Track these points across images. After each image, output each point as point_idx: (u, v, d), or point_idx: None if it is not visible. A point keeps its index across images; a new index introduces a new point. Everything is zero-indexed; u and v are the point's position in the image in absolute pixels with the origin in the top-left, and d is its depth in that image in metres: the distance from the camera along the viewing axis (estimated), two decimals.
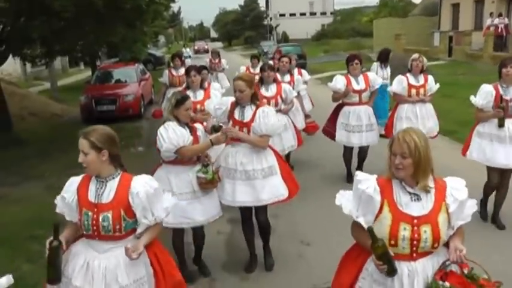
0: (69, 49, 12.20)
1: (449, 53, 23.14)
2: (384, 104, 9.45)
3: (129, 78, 14.83)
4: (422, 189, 2.52)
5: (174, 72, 9.56)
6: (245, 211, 4.55)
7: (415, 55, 6.82)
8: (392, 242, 2.50)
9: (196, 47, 58.73)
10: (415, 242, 2.48)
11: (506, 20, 21.58)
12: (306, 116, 7.89)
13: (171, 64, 9.82)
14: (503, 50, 20.14)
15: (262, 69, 6.58)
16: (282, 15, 64.55)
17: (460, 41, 22.74)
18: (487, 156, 5.15)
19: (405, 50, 24.57)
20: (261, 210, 4.51)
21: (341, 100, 6.77)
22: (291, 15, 65.74)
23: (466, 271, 2.42)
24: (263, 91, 6.36)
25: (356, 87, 6.63)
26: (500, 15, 21.77)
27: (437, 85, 6.75)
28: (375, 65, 9.51)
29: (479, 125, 5.28)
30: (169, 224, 4.09)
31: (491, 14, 22.21)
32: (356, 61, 6.65)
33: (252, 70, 10.10)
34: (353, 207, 2.63)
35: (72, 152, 9.47)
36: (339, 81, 6.63)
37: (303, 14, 66.83)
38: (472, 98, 5.23)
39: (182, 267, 4.42)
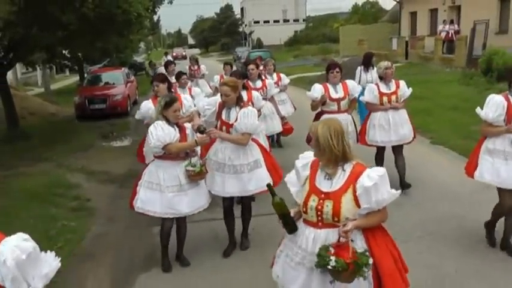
0: (70, 55, 13.91)
1: (406, 56, 25.32)
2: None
3: (117, 81, 16.59)
4: (328, 169, 2.90)
5: None
6: (228, 203, 5.04)
7: (387, 63, 6.69)
8: (304, 209, 2.93)
9: (174, 54, 59.01)
10: (319, 213, 2.86)
11: (456, 27, 23.94)
12: (282, 119, 8.03)
13: (165, 71, 9.70)
14: (452, 52, 22.42)
15: (231, 76, 6.59)
16: (257, 22, 66.24)
17: (415, 45, 25.01)
18: (502, 177, 4.47)
19: None
20: (246, 196, 5.02)
21: (320, 108, 6.69)
22: (265, 22, 67.33)
23: (359, 251, 2.75)
24: None
25: (334, 95, 6.52)
26: (451, 22, 24.11)
27: (410, 89, 6.66)
28: (359, 69, 9.47)
29: (489, 141, 4.60)
30: (156, 213, 4.59)
31: (444, 22, 24.54)
32: (337, 69, 6.54)
33: (225, 77, 9.88)
34: (294, 180, 3.11)
35: (72, 142, 11.61)
36: (317, 90, 6.53)
37: (276, 21, 68.35)
38: (479, 111, 4.61)
39: (163, 253, 4.90)
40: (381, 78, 6.66)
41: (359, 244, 2.84)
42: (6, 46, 11.53)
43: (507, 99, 4.45)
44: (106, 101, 15.18)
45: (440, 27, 24.43)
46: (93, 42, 11.76)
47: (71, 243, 5.58)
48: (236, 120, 4.72)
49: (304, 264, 2.91)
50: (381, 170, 2.87)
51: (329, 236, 2.84)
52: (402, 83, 6.62)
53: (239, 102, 4.81)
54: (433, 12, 27.73)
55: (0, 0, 8.28)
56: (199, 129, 4.56)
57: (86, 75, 21.73)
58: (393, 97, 6.51)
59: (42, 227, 5.94)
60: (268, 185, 3.03)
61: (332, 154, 2.82)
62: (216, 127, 4.82)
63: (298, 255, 2.94)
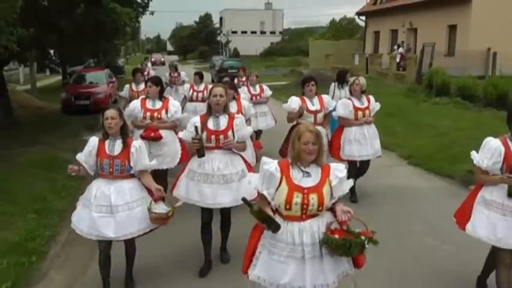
0: (59, 56, 15.66)
1: (367, 71, 27.71)
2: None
3: (100, 81, 18.43)
4: (318, 165, 3.26)
5: (134, 87, 9.43)
6: (206, 215, 4.83)
7: (353, 79, 6.80)
8: (288, 207, 3.18)
9: (153, 59, 58.55)
10: (304, 206, 3.16)
11: (404, 49, 26.59)
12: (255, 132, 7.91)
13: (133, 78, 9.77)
14: (405, 70, 24.88)
15: None
16: (234, 32, 68.32)
17: (374, 62, 27.52)
18: (499, 235, 3.85)
19: (333, 68, 29.12)
20: (226, 210, 4.89)
21: (295, 121, 6.57)
22: (242, 32, 69.48)
23: (345, 227, 3.18)
24: None
25: (311, 107, 6.57)
26: (399, 46, 26.72)
27: (378, 104, 6.81)
28: (333, 85, 9.42)
29: (486, 190, 3.97)
30: (83, 233, 4.27)
31: (397, 45, 27.20)
32: (312, 82, 6.58)
33: (196, 88, 9.85)
34: (259, 183, 3.30)
35: (61, 131, 13.68)
36: (294, 102, 6.55)
37: (253, 32, 70.77)
38: (474, 155, 4.00)
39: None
40: (351, 93, 6.82)
41: (334, 226, 3.25)
42: None
43: (505, 144, 3.85)
44: (90, 98, 16.92)
45: (395, 47, 26.96)
46: (84, 45, 13.62)
47: (71, 194, 7.38)
48: (228, 127, 4.68)
49: (294, 256, 3.19)
50: (342, 165, 3.42)
51: (312, 225, 3.21)
52: (372, 98, 6.80)
53: (226, 110, 4.77)
54: (394, 32, 30.36)
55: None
56: (196, 135, 4.50)
57: (67, 76, 23.48)
58: (367, 112, 6.68)
59: (48, 185, 7.80)
60: (244, 199, 3.18)
61: (322, 151, 3.28)
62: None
63: (286, 250, 3.19)
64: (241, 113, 6.25)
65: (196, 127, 4.54)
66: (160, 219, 4.15)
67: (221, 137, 4.62)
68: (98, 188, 4.23)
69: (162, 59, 59.96)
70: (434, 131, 11.70)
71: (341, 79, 9.28)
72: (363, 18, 34.72)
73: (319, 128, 6.39)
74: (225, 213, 4.95)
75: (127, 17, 13.01)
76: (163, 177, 6.19)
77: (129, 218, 4.19)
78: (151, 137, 6.13)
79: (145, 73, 11.67)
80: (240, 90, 8.45)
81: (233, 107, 6.33)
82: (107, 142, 4.25)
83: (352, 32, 53.16)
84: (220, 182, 4.62)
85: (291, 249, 3.18)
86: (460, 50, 23.37)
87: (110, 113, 4.21)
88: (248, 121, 6.54)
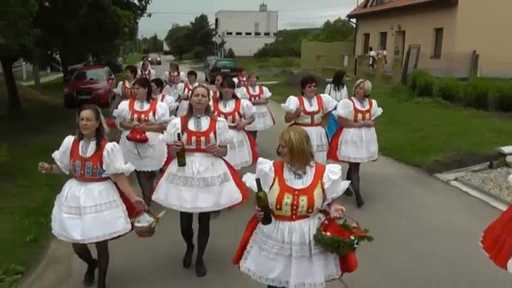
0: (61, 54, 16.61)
1: (355, 72, 28.68)
2: (337, 125, 8.56)
3: (100, 77, 19.46)
4: (299, 169, 3.26)
5: (127, 84, 9.58)
6: (185, 222, 4.76)
7: (358, 81, 6.78)
8: (278, 207, 3.25)
9: (149, 59, 59.57)
10: (294, 207, 3.22)
11: (384, 52, 27.73)
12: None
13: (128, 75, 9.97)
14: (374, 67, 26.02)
15: (221, 85, 6.52)
16: (229, 33, 68.94)
17: (362, 63, 28.53)
18: None
19: (324, 69, 30.18)
20: (205, 214, 4.72)
21: (293, 121, 6.58)
22: (237, 33, 70.29)
23: (340, 222, 3.17)
24: (221, 107, 6.31)
25: (309, 108, 6.52)
26: (371, 48, 28.33)
27: (381, 109, 6.76)
28: (329, 86, 9.22)
29: None
30: (56, 233, 4.26)
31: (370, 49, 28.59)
32: (314, 84, 6.56)
33: (190, 87, 9.65)
34: (254, 182, 3.29)
35: (65, 122, 14.88)
36: (292, 102, 6.53)
37: (248, 33, 71.58)
38: None
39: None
40: (354, 95, 6.76)
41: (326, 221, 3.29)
42: None
43: None
44: (91, 93, 17.88)
45: (378, 51, 28.11)
46: (86, 45, 14.66)
47: None
48: (210, 129, 4.56)
49: (282, 254, 3.27)
50: (338, 166, 3.42)
51: (302, 225, 3.27)
52: (374, 102, 6.75)
53: (207, 111, 4.67)
54: (383, 35, 31.42)
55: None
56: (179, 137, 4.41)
57: (68, 73, 24.49)
58: (367, 115, 6.64)
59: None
60: (257, 179, 3.23)
61: (304, 156, 3.26)
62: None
63: (275, 247, 3.28)
64: (239, 112, 6.32)
65: (179, 134, 4.43)
66: (144, 232, 4.11)
67: (202, 138, 4.50)
68: (69, 189, 4.19)
69: (158, 59, 61.07)
70: (410, 127, 12.49)
71: (338, 81, 9.11)
72: (354, 20, 35.77)
73: (317, 128, 6.65)
74: (204, 221, 4.78)
75: (126, 19, 14.02)
76: (148, 180, 6.40)
77: (95, 220, 4.09)
78: (137, 139, 6.18)
79: (146, 72, 12.27)
80: (239, 90, 8.57)
81: (230, 105, 6.37)
82: (81, 143, 4.18)
83: (346, 34, 53.92)
84: (201, 185, 4.48)
85: (280, 248, 3.28)
86: (446, 53, 24.15)
87: (86, 113, 4.09)
88: (251, 118, 6.61)
